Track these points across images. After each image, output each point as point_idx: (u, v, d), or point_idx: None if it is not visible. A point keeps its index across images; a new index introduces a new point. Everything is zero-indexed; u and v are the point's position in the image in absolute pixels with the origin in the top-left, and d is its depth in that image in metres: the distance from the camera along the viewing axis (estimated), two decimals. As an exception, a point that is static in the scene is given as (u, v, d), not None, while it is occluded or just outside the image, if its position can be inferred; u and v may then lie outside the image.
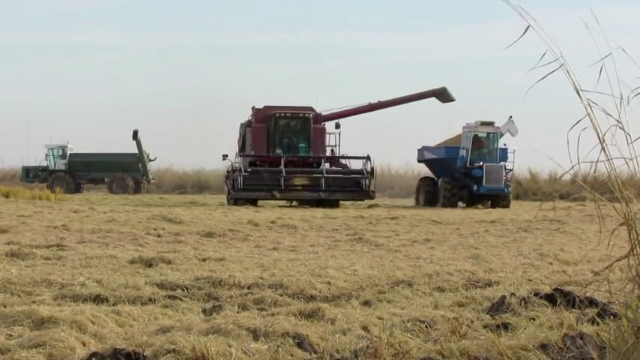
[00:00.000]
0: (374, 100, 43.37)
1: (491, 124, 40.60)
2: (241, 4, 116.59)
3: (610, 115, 5.26)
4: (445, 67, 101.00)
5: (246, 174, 39.13)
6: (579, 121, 5.24)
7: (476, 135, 40.42)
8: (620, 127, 5.26)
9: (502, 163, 40.31)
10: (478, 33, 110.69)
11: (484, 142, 40.62)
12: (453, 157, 40.57)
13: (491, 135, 40.56)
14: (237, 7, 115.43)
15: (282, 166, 39.17)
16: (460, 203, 40.51)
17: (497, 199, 39.66)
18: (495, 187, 39.47)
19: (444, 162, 41.40)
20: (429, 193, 41.29)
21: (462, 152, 40.20)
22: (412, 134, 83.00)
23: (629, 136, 5.29)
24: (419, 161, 44.70)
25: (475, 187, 39.45)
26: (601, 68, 5.20)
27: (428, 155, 43.01)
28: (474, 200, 40.07)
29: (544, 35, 5.24)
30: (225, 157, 40.40)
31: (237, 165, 39.48)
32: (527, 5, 5.31)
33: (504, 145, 40.90)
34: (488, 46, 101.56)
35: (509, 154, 40.40)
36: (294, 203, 40.33)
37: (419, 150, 43.79)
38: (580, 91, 5.31)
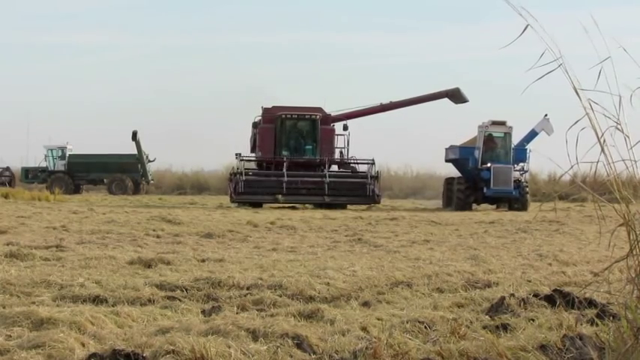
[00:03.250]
0: (385, 101, 42.12)
1: (503, 123, 39.09)
2: (243, 4, 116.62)
3: (609, 118, 5.26)
4: (449, 68, 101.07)
5: (247, 177, 38.45)
6: (578, 120, 5.25)
7: (489, 134, 38.95)
8: (618, 129, 5.26)
9: (522, 164, 38.81)
10: (480, 33, 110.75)
11: (497, 142, 39.06)
12: (466, 158, 39.10)
13: (506, 135, 38.93)
14: (238, 8, 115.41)
15: (284, 169, 38.50)
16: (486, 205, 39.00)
17: (509, 201, 38.04)
18: (503, 189, 37.71)
19: (460, 162, 39.96)
20: (450, 195, 39.44)
21: (476, 152, 38.70)
22: (411, 134, 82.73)
23: (628, 137, 5.29)
24: (446, 161, 42.02)
25: (485, 189, 37.85)
26: (600, 71, 5.21)
27: (451, 155, 40.97)
28: (487, 202, 38.71)
29: (543, 35, 5.25)
30: (238, 155, 39.65)
31: (239, 167, 38.77)
32: (527, 6, 5.31)
33: (525, 145, 39.46)
34: (489, 47, 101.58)
35: (528, 155, 38.83)
36: (308, 206, 39.10)
37: (446, 149, 41.49)
38: (579, 91, 5.31)
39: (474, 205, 38.84)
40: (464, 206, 37.38)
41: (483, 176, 37.73)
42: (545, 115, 40.43)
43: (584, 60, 5.37)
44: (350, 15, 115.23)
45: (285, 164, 38.65)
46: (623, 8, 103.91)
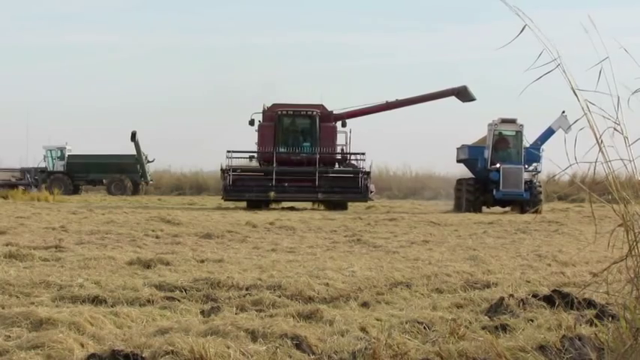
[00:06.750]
0: (391, 99, 40.95)
1: (513, 121, 36.63)
2: (243, 5, 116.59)
3: (608, 119, 5.26)
4: (449, 68, 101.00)
5: (235, 174, 38.10)
6: (577, 120, 5.25)
7: (499, 133, 36.69)
8: (616, 130, 5.26)
9: (534, 164, 36.55)
10: (479, 33, 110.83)
11: (508, 141, 36.85)
12: (475, 158, 36.98)
13: (517, 133, 36.57)
14: (238, 8, 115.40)
15: (274, 166, 38.05)
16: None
17: (520, 204, 35.69)
18: (513, 191, 35.43)
19: (470, 163, 37.77)
20: (461, 197, 37.24)
21: (485, 152, 36.49)
22: (410, 134, 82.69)
23: (627, 138, 5.29)
24: (457, 162, 39.69)
25: (494, 191, 35.59)
26: (600, 72, 5.21)
27: (461, 155, 38.71)
28: (497, 205, 36.65)
29: (541, 35, 5.25)
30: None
31: (227, 164, 38.29)
32: (525, 6, 5.32)
33: (538, 144, 37.28)
34: (489, 47, 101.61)
35: (541, 155, 35.89)
36: (320, 206, 38.52)
37: (457, 149, 39.37)
38: (576, 91, 5.31)
39: (484, 208, 36.83)
40: (474, 209, 35.48)
41: (492, 177, 35.55)
42: (563, 111, 38.30)
43: (583, 60, 5.37)
44: (350, 15, 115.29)
45: (275, 161, 38.18)
46: (622, 8, 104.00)
